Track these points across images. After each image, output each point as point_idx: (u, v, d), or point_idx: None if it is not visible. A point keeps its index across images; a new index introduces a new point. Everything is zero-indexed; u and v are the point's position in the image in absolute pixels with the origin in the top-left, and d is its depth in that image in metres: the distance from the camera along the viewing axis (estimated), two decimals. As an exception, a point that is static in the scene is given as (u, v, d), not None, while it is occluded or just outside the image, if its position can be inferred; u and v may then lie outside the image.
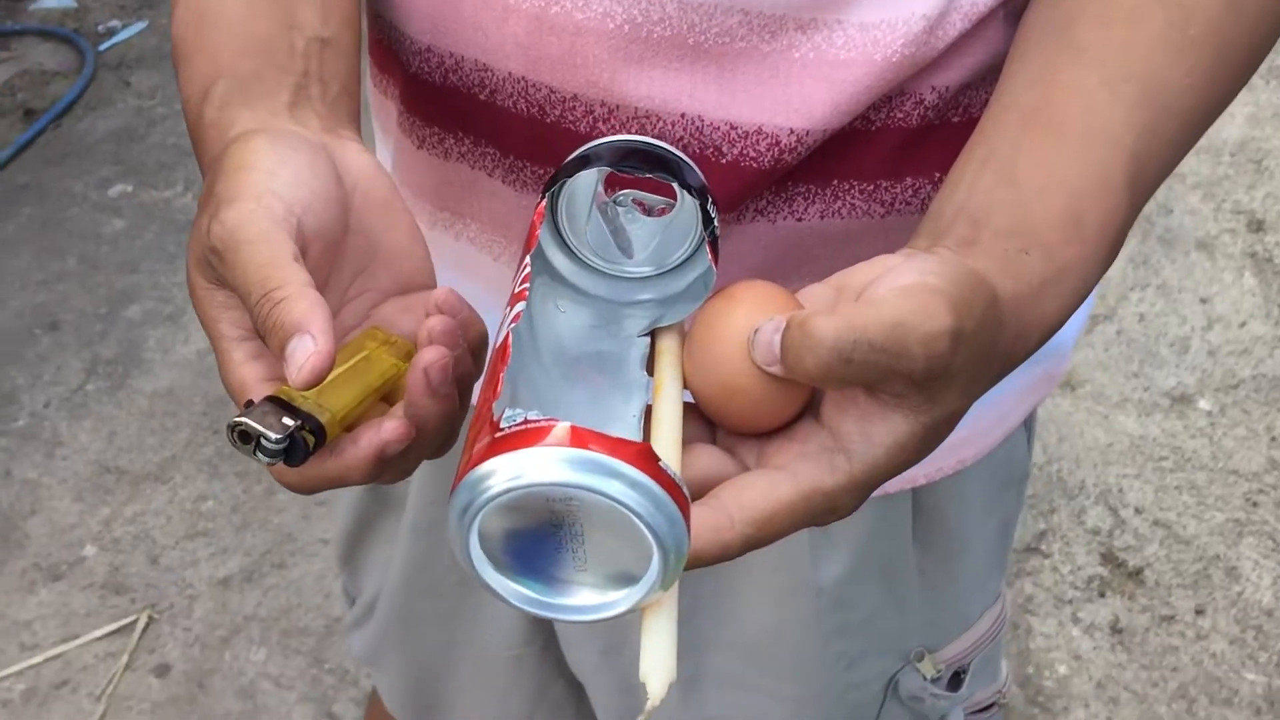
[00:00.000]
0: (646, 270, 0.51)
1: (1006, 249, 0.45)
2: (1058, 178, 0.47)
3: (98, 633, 1.71)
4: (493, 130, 0.60)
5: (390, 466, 0.45)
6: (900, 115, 0.58)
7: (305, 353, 0.41)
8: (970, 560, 0.76)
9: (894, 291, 0.41)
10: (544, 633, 0.88)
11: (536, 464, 0.36)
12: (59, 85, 2.80)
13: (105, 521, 1.85)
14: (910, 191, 0.60)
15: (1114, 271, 2.14)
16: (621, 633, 0.78)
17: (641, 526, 0.36)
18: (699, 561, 0.41)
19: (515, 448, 0.36)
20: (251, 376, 0.45)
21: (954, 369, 0.41)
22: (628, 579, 0.39)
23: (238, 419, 0.41)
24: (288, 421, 0.42)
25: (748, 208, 0.59)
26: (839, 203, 0.59)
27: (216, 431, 1.97)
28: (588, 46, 0.55)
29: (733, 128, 0.56)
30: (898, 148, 0.58)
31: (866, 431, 0.42)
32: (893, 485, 0.67)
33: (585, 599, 0.40)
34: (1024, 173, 0.47)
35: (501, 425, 0.37)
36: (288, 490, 0.47)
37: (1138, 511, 1.81)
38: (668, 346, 0.48)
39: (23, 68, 2.87)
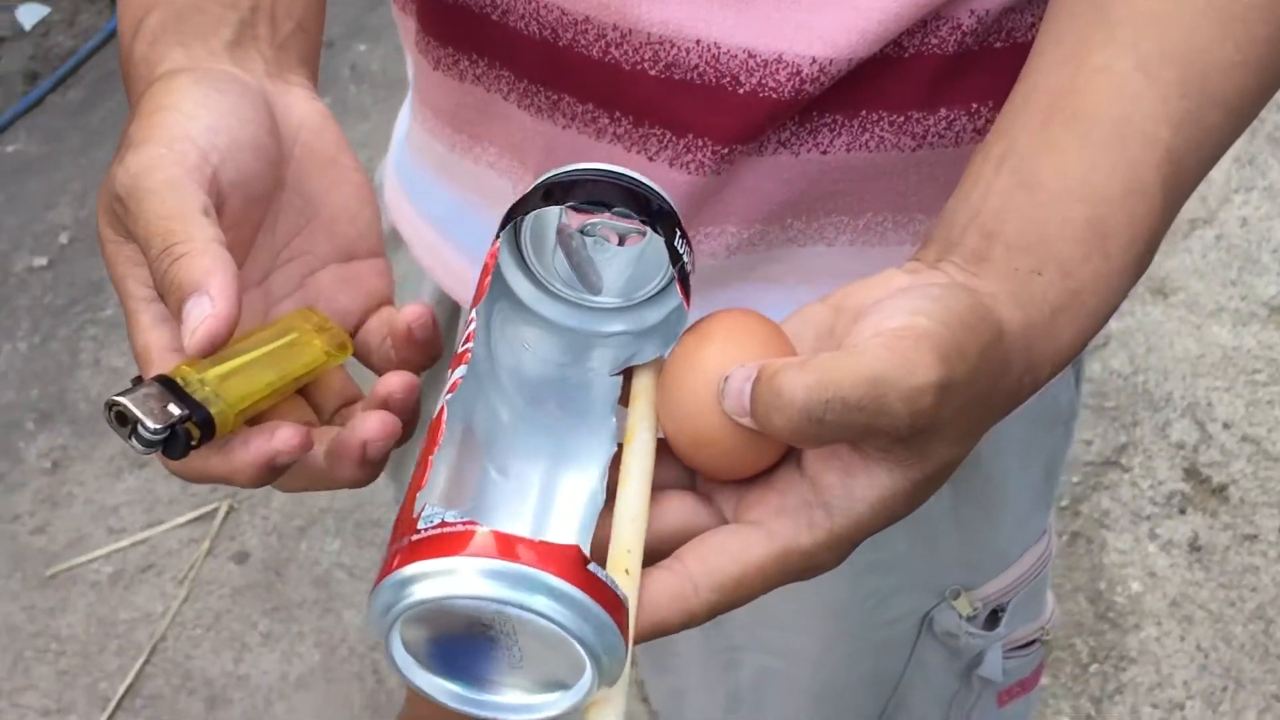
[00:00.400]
0: (616, 302, 0.47)
1: (1018, 269, 0.41)
2: (1080, 181, 0.43)
3: (180, 519, 1.76)
4: (506, 52, 0.58)
5: (285, 475, 0.42)
6: (935, 41, 0.54)
7: (200, 315, 0.38)
8: (1010, 503, 0.74)
9: (877, 339, 0.37)
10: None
11: (454, 576, 0.34)
12: None
13: (188, 411, 1.90)
14: (944, 124, 0.56)
15: (1216, 173, 2.04)
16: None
17: (569, 639, 0.34)
18: (662, 630, 0.39)
19: (434, 555, 0.34)
20: (158, 343, 0.42)
21: (942, 421, 0.38)
22: (563, 683, 0.37)
23: (116, 398, 0.38)
24: (172, 409, 0.39)
25: (769, 139, 0.56)
26: (867, 135, 0.56)
27: (295, 324, 2.00)
28: None
29: (751, 56, 0.52)
30: (932, 76, 0.54)
31: (849, 486, 0.39)
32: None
33: (521, 699, 0.38)
34: (1044, 175, 0.43)
35: (419, 526, 0.35)
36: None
37: (1226, 426, 1.75)
38: (643, 388, 0.44)
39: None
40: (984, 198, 0.43)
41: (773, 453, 0.41)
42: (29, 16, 2.66)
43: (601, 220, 0.45)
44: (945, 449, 0.39)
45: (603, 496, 0.41)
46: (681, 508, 0.42)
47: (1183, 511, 1.67)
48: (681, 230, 0.44)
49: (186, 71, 0.44)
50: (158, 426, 0.38)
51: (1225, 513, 1.66)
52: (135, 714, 1.57)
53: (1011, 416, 0.66)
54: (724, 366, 0.40)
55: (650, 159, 0.57)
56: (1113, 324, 1.89)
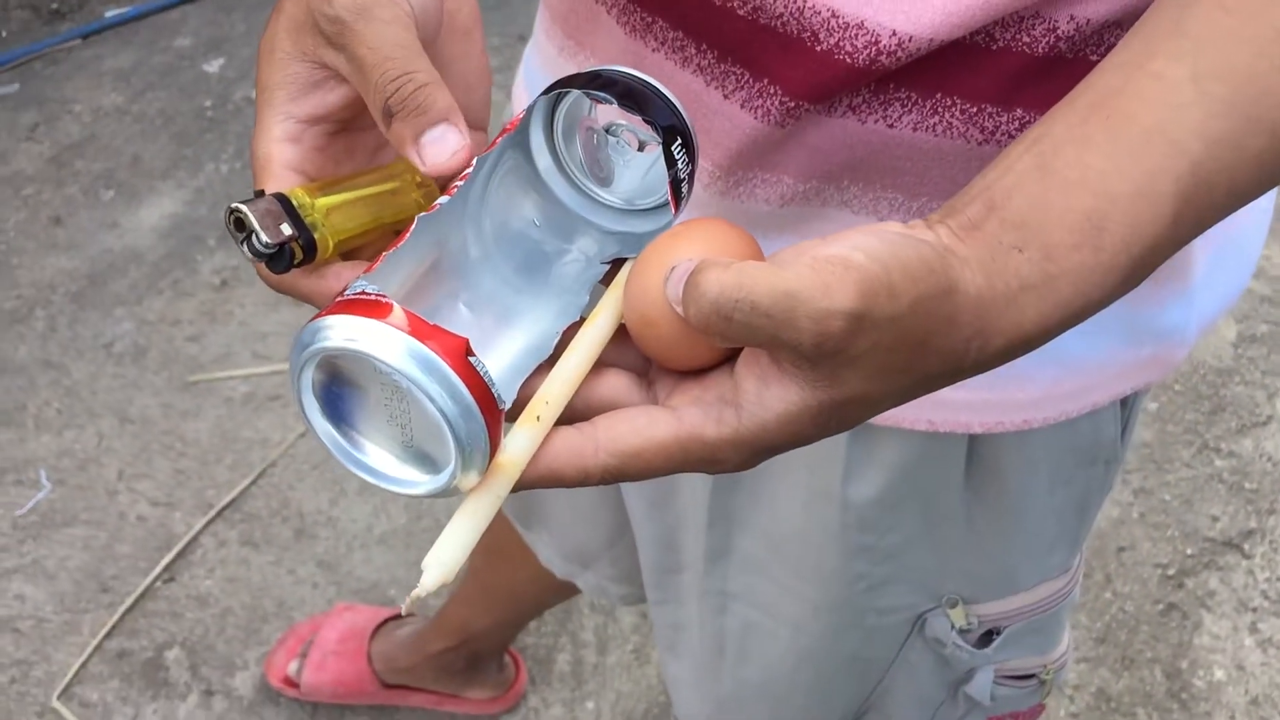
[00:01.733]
0: (618, 202, 0.49)
1: (1001, 241, 0.41)
2: (1094, 174, 0.42)
3: (318, 361, 1.86)
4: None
5: None
6: (1027, 39, 0.52)
7: (457, 143, 0.42)
8: (1029, 524, 0.72)
9: (807, 260, 0.38)
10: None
11: (356, 332, 0.37)
12: None
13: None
14: (1017, 124, 0.55)
15: None
16: (669, 487, 0.79)
17: (436, 414, 0.37)
18: (556, 480, 0.42)
19: (347, 312, 0.38)
20: (280, 156, 0.45)
21: (853, 352, 0.38)
22: (432, 465, 0.40)
23: (240, 204, 0.41)
24: (285, 229, 0.42)
25: (840, 101, 0.56)
26: (936, 118, 0.55)
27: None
28: None
29: (834, 15, 0.52)
30: (1015, 74, 0.53)
31: (761, 393, 0.41)
32: (943, 425, 0.65)
33: (391, 469, 0.41)
34: (1063, 162, 0.42)
35: (346, 292, 0.39)
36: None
37: (1367, 540, 1.64)
38: (620, 279, 0.47)
39: None
40: (1002, 174, 0.43)
41: (711, 351, 0.43)
42: None
43: (625, 123, 0.47)
44: (859, 382, 0.40)
45: (545, 354, 0.44)
46: (617, 383, 0.45)
47: (1293, 614, 1.58)
48: (685, 141, 0.46)
49: None
50: (270, 241, 0.41)
51: (1339, 627, 1.57)
52: (231, 526, 1.67)
53: (1046, 434, 0.66)
54: (684, 259, 0.42)
55: (725, 96, 0.58)
56: (1279, 406, 1.78)
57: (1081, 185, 0.42)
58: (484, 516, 0.41)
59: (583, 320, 0.46)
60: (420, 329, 0.38)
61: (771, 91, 0.56)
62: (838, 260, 0.38)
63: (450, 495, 0.41)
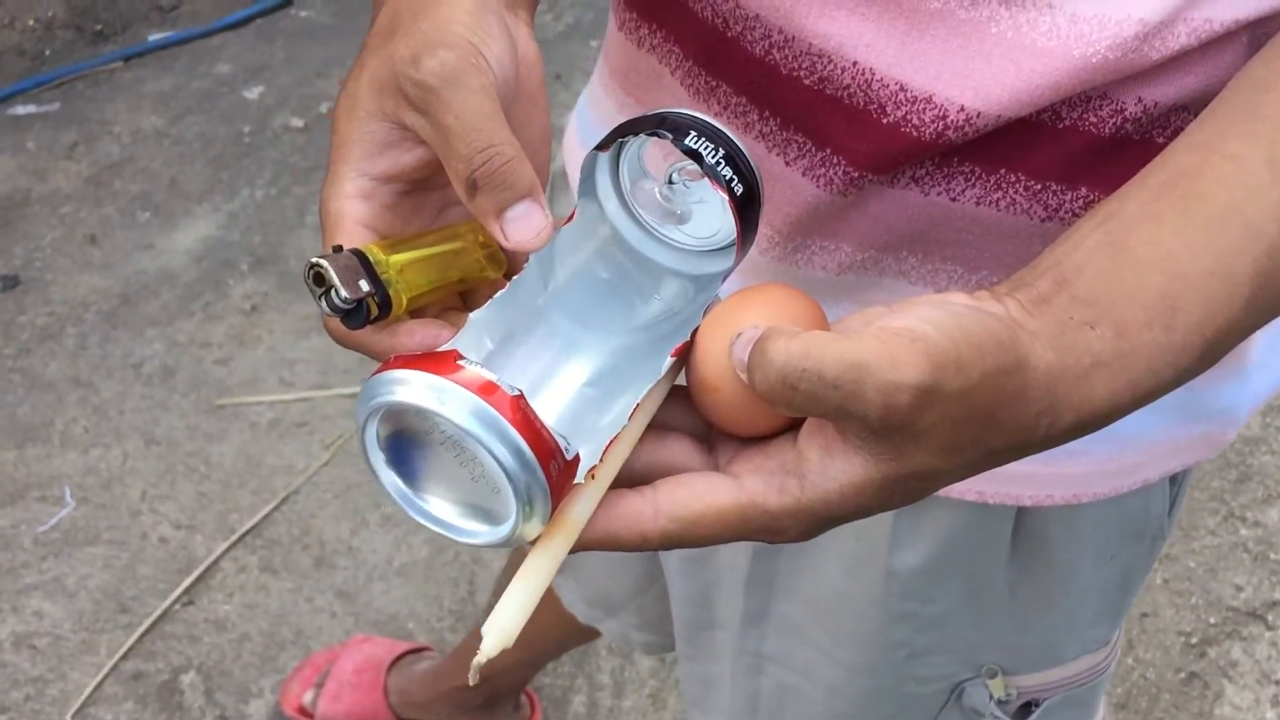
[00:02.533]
0: (687, 243, 0.49)
1: (1072, 317, 0.41)
2: (1168, 252, 0.42)
3: (345, 389, 1.87)
4: (680, 30, 0.60)
5: None
6: (1094, 120, 0.53)
7: (539, 223, 0.42)
8: (1073, 597, 0.72)
9: (874, 331, 0.39)
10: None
11: (420, 388, 0.38)
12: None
13: (382, 294, 2.00)
14: (1081, 203, 0.55)
15: None
16: (706, 549, 0.79)
17: (496, 468, 0.38)
18: (614, 544, 0.42)
19: (414, 367, 0.38)
20: (352, 213, 0.46)
21: (920, 427, 0.38)
22: (493, 518, 0.40)
23: (320, 259, 0.42)
24: (363, 285, 0.42)
25: (903, 173, 0.56)
26: (999, 194, 0.55)
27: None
28: None
29: (903, 88, 0.53)
30: (1081, 153, 0.53)
31: (825, 464, 0.41)
32: (992, 497, 0.65)
33: (458, 519, 0.41)
34: (1135, 240, 0.42)
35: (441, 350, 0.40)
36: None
37: (1393, 617, 1.62)
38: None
39: None
40: (1072, 250, 0.43)
41: (773, 418, 0.43)
42: (357, -102, 2.82)
43: (683, 164, 0.47)
44: (925, 456, 0.40)
45: (623, 418, 0.43)
46: (678, 447, 0.45)
47: (1317, 688, 1.57)
48: (745, 182, 0.46)
49: None
50: (349, 296, 0.42)
51: (1363, 704, 1.55)
52: (252, 551, 1.68)
53: (1096, 509, 0.65)
54: (746, 324, 0.43)
55: (788, 164, 0.58)
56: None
57: (1154, 264, 0.42)
58: (543, 579, 0.41)
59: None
60: (479, 384, 0.38)
61: (835, 161, 0.56)
62: (905, 332, 0.38)
63: (513, 545, 0.41)
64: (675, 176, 0.49)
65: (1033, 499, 0.65)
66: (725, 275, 0.48)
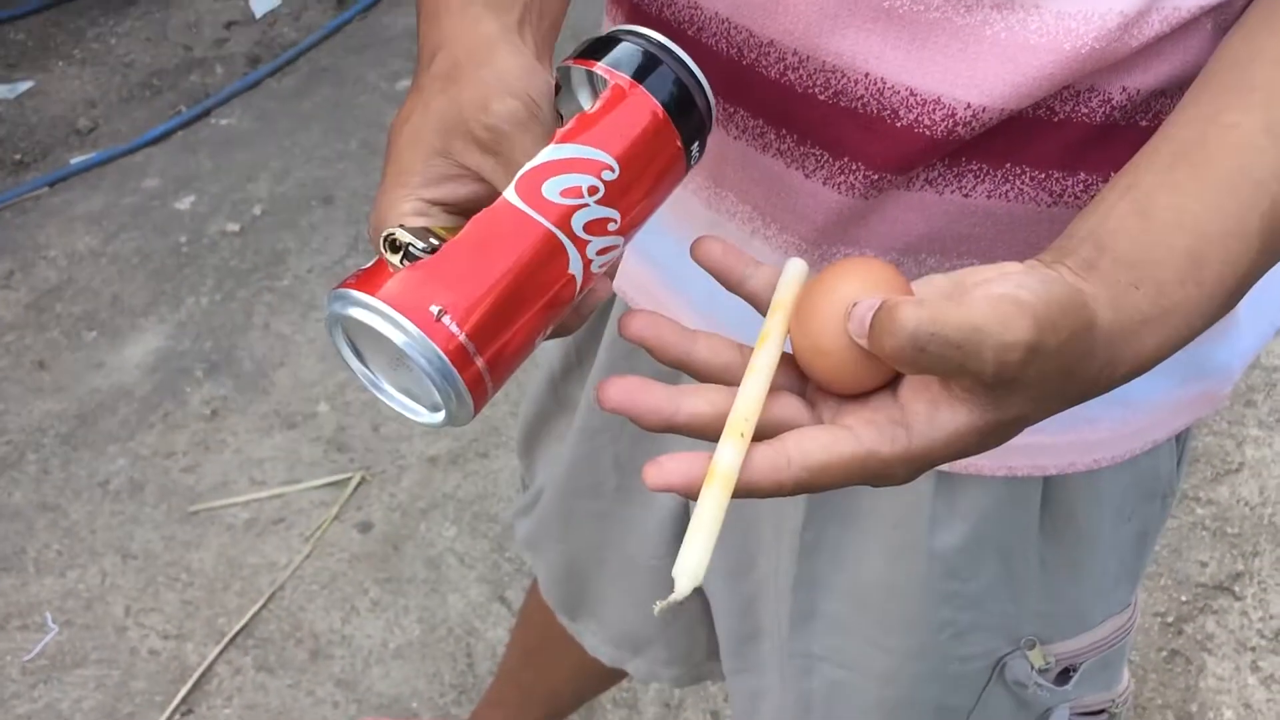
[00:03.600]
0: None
1: (1119, 280, 0.47)
2: (1190, 216, 0.48)
3: (316, 482, 1.87)
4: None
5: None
6: (1085, 110, 0.58)
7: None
8: (1098, 562, 0.77)
9: (985, 297, 0.43)
10: (684, 549, 0.93)
11: (360, 306, 0.46)
12: (372, -20, 3.00)
13: (341, 385, 2.02)
14: (1081, 186, 0.61)
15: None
16: (746, 557, 0.83)
17: (417, 367, 0.46)
18: (756, 492, 0.46)
19: (349, 286, 0.47)
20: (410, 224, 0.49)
21: (1025, 379, 0.43)
22: (431, 405, 0.49)
23: (392, 230, 0.48)
24: (434, 240, 0.47)
25: (917, 176, 0.61)
26: (1008, 185, 0.61)
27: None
28: None
29: (912, 93, 0.58)
30: (1077, 141, 0.59)
31: (932, 415, 0.46)
32: (1021, 469, 0.70)
33: (415, 407, 0.50)
34: (1158, 207, 0.48)
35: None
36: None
37: (1349, 573, 1.71)
38: (781, 304, 0.52)
39: (344, -41, 3.08)
40: (1103, 219, 0.49)
41: (876, 377, 0.48)
42: (261, 6, 2.87)
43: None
44: (1020, 405, 0.45)
45: None
46: (789, 405, 0.49)
47: (1290, 650, 1.64)
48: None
49: (513, 43, 0.52)
50: (423, 246, 0.47)
51: (1335, 659, 1.63)
52: (245, 652, 1.67)
53: (1112, 472, 0.71)
54: (854, 296, 0.48)
55: (807, 176, 0.63)
56: (1248, 452, 1.86)
57: (1179, 226, 0.48)
58: (716, 522, 0.45)
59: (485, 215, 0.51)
60: (410, 308, 0.46)
61: (854, 168, 0.61)
62: (1009, 298, 0.43)
63: (450, 426, 0.50)
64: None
65: (1058, 468, 0.70)
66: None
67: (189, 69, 2.71)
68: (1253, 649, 1.65)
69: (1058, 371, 0.44)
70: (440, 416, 0.48)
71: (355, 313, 0.46)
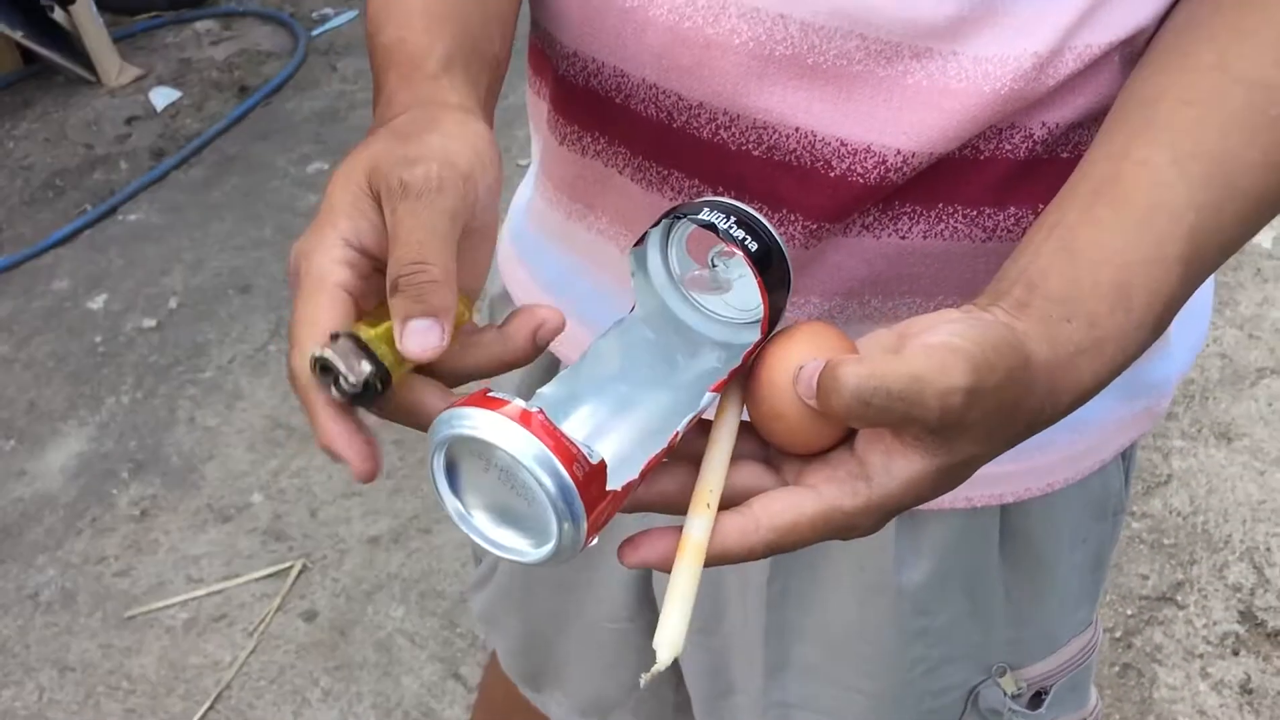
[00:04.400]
0: (727, 315, 0.56)
1: (1051, 315, 0.49)
2: (1112, 250, 0.50)
3: (256, 574, 1.84)
4: (625, 131, 0.66)
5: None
6: (1008, 147, 0.60)
7: (433, 343, 0.46)
8: (1058, 584, 0.78)
9: (921, 347, 0.45)
10: (649, 611, 0.93)
11: (482, 422, 0.44)
12: (272, 65, 3.00)
13: (273, 473, 1.98)
14: (1013, 220, 0.62)
15: (1286, 325, 2.08)
16: (714, 612, 0.83)
17: (541, 495, 0.43)
18: (729, 558, 0.47)
19: (476, 405, 0.44)
20: (334, 275, 0.47)
21: (968, 421, 0.45)
22: (537, 538, 0.46)
23: (322, 352, 0.45)
24: (365, 367, 0.45)
25: (854, 222, 0.63)
26: (942, 225, 0.62)
27: (381, 400, 2.09)
28: (715, 59, 0.59)
29: (843, 144, 0.60)
30: (1003, 178, 0.61)
31: (887, 465, 0.47)
32: (980, 500, 0.71)
33: (515, 543, 0.47)
34: (1082, 243, 0.50)
35: (489, 393, 0.46)
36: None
37: (1284, 573, 1.76)
38: (736, 383, 0.53)
39: (241, 47, 3.07)
40: (1032, 259, 0.51)
41: (831, 434, 0.50)
42: (161, 99, 2.85)
43: (727, 249, 0.53)
44: (969, 446, 0.46)
45: (661, 444, 0.49)
46: (752, 472, 0.51)
47: (1236, 653, 1.68)
48: (784, 278, 0.52)
49: (461, 112, 0.52)
50: (355, 380, 0.45)
51: (1278, 658, 1.67)
52: (195, 757, 1.62)
53: (1066, 495, 0.72)
54: (802, 359, 0.49)
55: None
56: (1175, 464, 1.91)
57: (1104, 260, 0.50)
58: (691, 593, 0.47)
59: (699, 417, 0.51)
60: (530, 422, 0.44)
61: (793, 219, 0.62)
62: (945, 345, 0.45)
63: (554, 564, 0.46)
64: (716, 260, 0.55)
65: (1015, 495, 0.71)
66: (761, 340, 0.53)
67: (92, 167, 2.68)
68: (1200, 656, 1.68)
69: (999, 409, 0.46)
70: (547, 549, 0.46)
71: (470, 429, 0.44)
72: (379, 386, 0.46)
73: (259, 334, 2.24)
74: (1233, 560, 1.78)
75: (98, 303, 2.31)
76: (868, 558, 0.74)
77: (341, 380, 0.45)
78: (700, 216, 0.51)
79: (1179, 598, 1.75)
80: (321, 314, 0.47)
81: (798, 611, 0.78)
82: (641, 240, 0.54)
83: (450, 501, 0.47)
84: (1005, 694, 0.80)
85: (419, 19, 0.57)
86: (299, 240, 0.49)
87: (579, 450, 0.44)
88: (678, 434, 0.49)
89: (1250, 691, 1.63)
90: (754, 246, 0.51)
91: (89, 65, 2.87)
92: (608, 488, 0.45)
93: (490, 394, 0.45)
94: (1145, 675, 1.67)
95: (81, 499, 1.95)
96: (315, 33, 3.10)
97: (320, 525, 1.90)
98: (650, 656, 0.98)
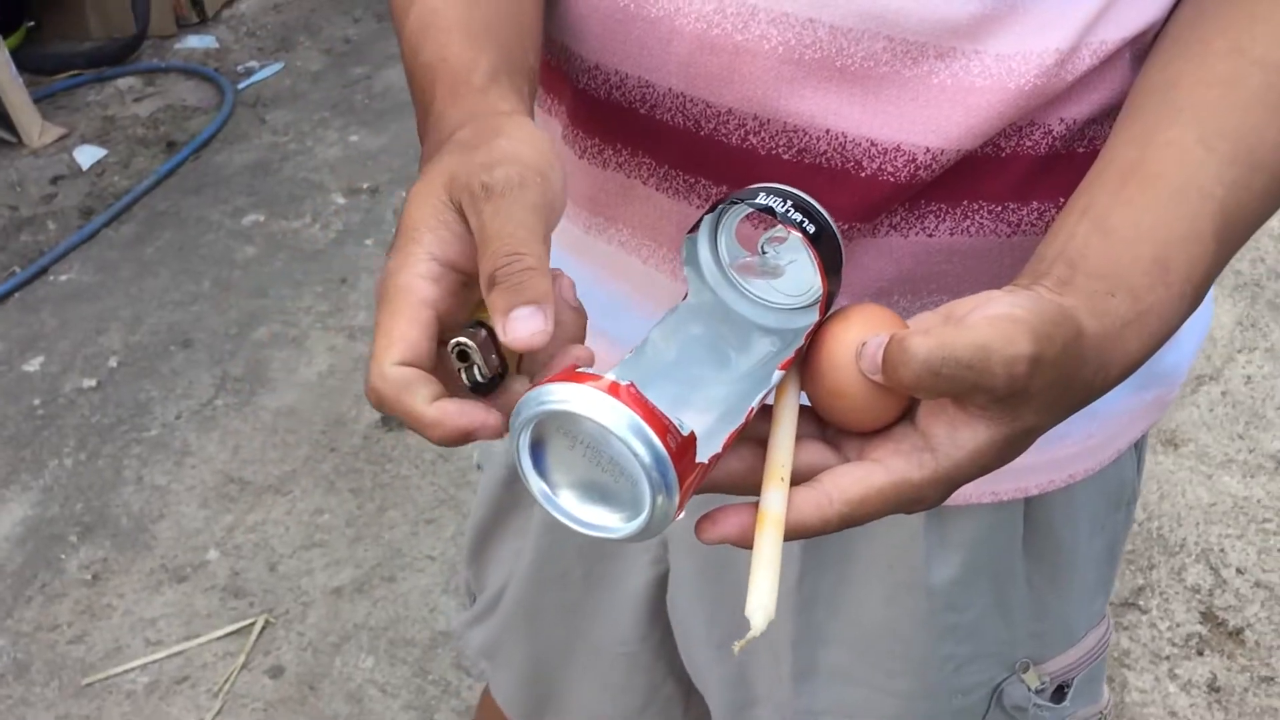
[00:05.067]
0: (781, 301, 0.57)
1: (1095, 290, 0.50)
2: (1148, 227, 0.52)
3: (217, 633, 1.79)
4: (650, 141, 0.66)
5: None
6: (1029, 144, 0.62)
7: (539, 325, 0.46)
8: (1078, 576, 0.79)
9: (984, 318, 0.47)
10: (659, 630, 0.92)
11: (574, 397, 0.44)
12: (199, 120, 2.96)
13: (228, 529, 1.94)
14: (1036, 214, 0.64)
15: (1221, 333, 2.14)
16: (737, 624, 0.83)
17: (636, 467, 0.44)
18: (804, 532, 0.48)
19: (569, 380, 0.45)
20: (421, 290, 0.48)
21: (1032, 390, 0.46)
22: (628, 513, 0.46)
23: (465, 339, 0.46)
24: (494, 360, 0.47)
25: (882, 222, 0.64)
26: (968, 221, 0.64)
27: (334, 449, 2.06)
28: (745, 65, 0.60)
29: (873, 144, 0.61)
30: (1026, 173, 0.63)
31: (953, 436, 0.48)
32: (1006, 492, 0.72)
33: (603, 519, 0.47)
34: (1117, 222, 0.52)
35: (576, 368, 0.46)
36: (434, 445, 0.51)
37: (1239, 572, 1.80)
38: (794, 363, 0.54)
39: (167, 103, 3.03)
40: (1068, 240, 0.53)
41: (895, 408, 0.51)
42: (86, 157, 2.80)
43: (778, 235, 0.54)
44: (1031, 415, 0.48)
45: (737, 423, 0.50)
46: (816, 450, 0.52)
47: (1200, 653, 1.71)
48: (838, 259, 0.54)
49: (520, 116, 0.53)
50: (488, 372, 0.47)
51: (1242, 655, 1.70)
52: (166, 824, 1.57)
53: (1085, 486, 0.74)
54: (859, 338, 0.50)
55: None
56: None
57: (1140, 238, 0.52)
58: (777, 562, 0.48)
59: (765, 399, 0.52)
60: (620, 393, 0.44)
61: None
62: (1007, 316, 0.47)
63: (641, 540, 0.47)
64: (766, 246, 0.56)
65: (1039, 487, 0.72)
66: (821, 319, 0.54)
67: (18, 229, 2.62)
68: (1167, 658, 1.71)
69: (1059, 379, 0.47)
70: (638, 522, 0.46)
71: (559, 403, 0.44)
72: (499, 379, 0.47)
73: (204, 389, 2.20)
74: (1190, 563, 1.82)
75: (34, 365, 2.25)
76: (897, 556, 0.75)
77: (476, 369, 0.46)
78: (758, 201, 0.52)
79: (1141, 602, 1.78)
80: (402, 329, 0.47)
81: (827, 615, 0.78)
82: (695, 228, 0.54)
83: (535, 483, 0.48)
84: (1029, 689, 0.81)
85: (458, 37, 0.57)
86: (387, 261, 0.49)
87: (670, 421, 0.44)
88: (752, 410, 0.50)
89: (1218, 690, 1.66)
90: (811, 229, 0.52)
91: (10, 126, 2.81)
92: (697, 460, 0.46)
93: (579, 369, 0.46)
94: (1115, 680, 1.69)
95: (29, 565, 1.89)
96: (241, 86, 3.07)
97: (281, 579, 1.86)
98: (660, 675, 0.98)
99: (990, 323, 0.46)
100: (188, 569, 1.88)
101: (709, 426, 0.50)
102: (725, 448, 0.48)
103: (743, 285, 0.57)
